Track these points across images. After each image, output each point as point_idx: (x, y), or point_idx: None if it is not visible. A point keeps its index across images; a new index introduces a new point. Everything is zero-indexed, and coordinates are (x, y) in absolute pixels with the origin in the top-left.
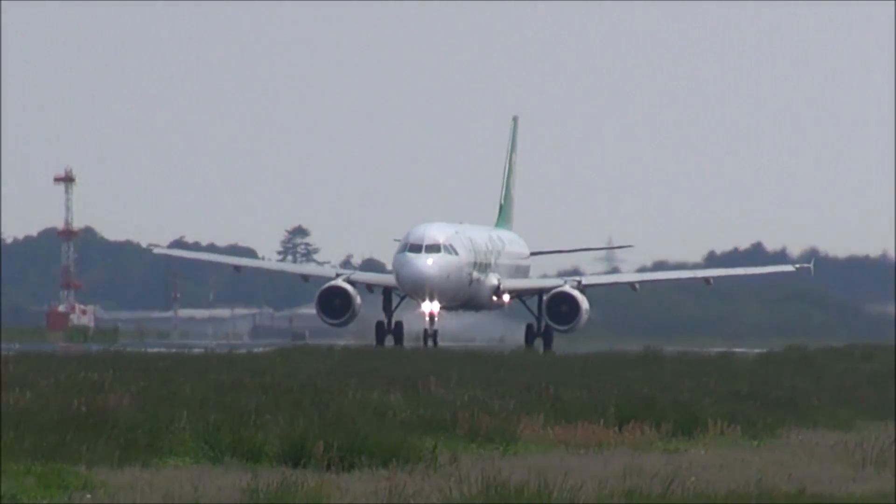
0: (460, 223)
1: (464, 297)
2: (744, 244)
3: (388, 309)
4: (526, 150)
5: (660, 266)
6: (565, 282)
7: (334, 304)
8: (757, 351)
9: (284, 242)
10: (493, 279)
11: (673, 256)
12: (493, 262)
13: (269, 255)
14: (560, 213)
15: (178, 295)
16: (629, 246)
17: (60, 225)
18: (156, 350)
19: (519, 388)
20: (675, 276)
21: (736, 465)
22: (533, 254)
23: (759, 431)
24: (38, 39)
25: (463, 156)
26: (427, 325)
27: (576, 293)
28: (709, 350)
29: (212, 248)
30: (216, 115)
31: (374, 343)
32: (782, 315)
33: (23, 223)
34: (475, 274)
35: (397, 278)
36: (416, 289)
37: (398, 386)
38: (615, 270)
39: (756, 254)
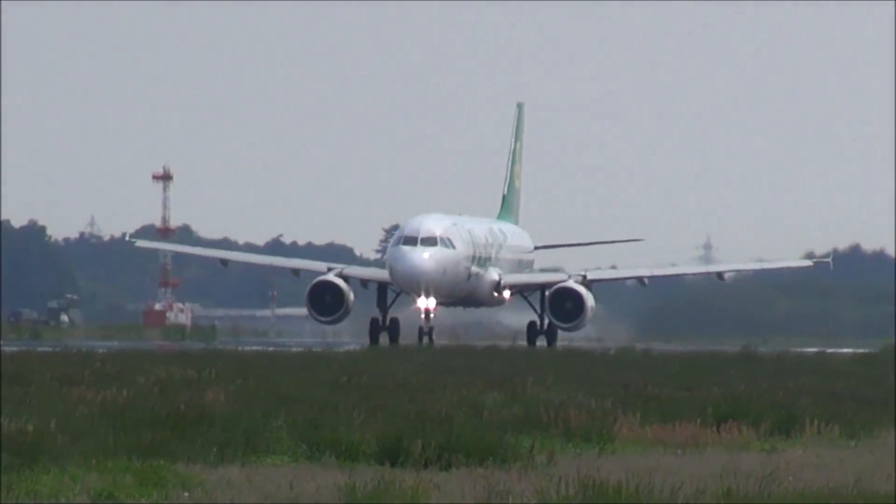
0: (459, 215)
1: (461, 292)
2: (843, 245)
3: (382, 305)
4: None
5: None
6: (569, 276)
7: (325, 300)
8: (853, 350)
9: (382, 241)
10: (493, 274)
11: (772, 256)
12: (493, 255)
13: (366, 254)
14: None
15: (275, 293)
16: (640, 240)
17: (158, 222)
18: (253, 348)
19: (615, 387)
20: (682, 272)
21: (833, 464)
22: (537, 248)
23: (856, 431)
24: (138, 38)
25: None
26: (422, 322)
27: (580, 289)
28: (804, 349)
29: (309, 248)
30: (314, 114)
31: (367, 341)
32: (879, 314)
33: (120, 220)
34: (474, 268)
35: (391, 273)
36: (411, 284)
37: (494, 384)
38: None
39: (854, 255)
